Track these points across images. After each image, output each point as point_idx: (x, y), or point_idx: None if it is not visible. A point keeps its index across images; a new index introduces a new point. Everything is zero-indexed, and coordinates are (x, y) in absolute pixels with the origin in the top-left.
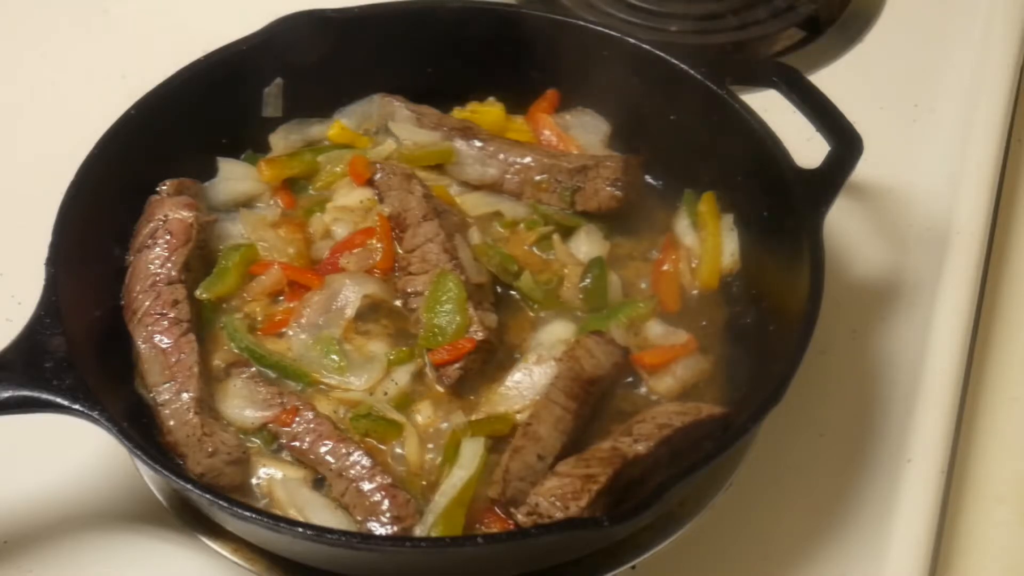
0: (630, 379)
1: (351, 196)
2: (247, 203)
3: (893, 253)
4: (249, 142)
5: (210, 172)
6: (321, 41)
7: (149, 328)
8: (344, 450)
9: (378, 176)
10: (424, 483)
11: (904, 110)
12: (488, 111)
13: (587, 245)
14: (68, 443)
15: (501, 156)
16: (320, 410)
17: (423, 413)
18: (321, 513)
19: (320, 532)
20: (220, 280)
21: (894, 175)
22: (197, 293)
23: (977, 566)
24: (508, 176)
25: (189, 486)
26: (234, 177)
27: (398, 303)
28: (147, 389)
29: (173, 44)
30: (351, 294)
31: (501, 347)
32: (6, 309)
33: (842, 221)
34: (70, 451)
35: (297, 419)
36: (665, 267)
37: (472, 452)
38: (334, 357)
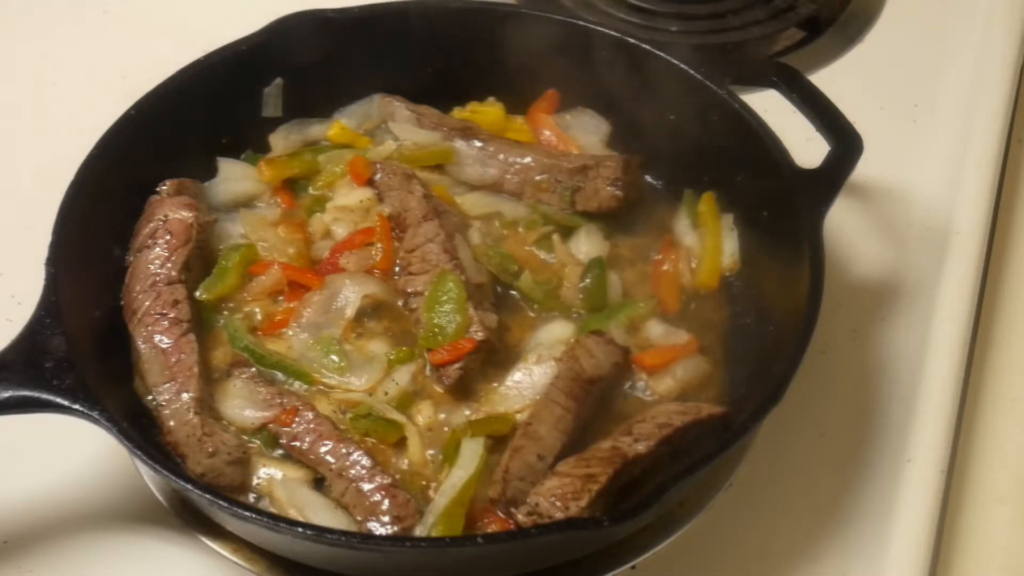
0: (630, 379)
1: (351, 196)
2: (247, 203)
3: (893, 253)
4: (249, 142)
5: (210, 172)
6: (321, 41)
7: (149, 328)
8: (344, 450)
9: (378, 176)
10: (424, 483)
11: (904, 110)
12: (488, 111)
13: (587, 245)
14: (68, 443)
15: (501, 156)
16: (320, 410)
17: (423, 413)
18: (321, 513)
19: (320, 532)
20: (220, 280)
21: (894, 175)
22: (197, 293)
23: (977, 566)
24: (508, 176)
25: (189, 486)
26: (234, 177)
27: (398, 303)
28: (147, 389)
29: (173, 44)
30: (351, 294)
31: (501, 347)
32: (6, 309)
33: (842, 221)
34: (70, 451)
35: (297, 419)
36: (665, 267)
37: (472, 452)
38: (334, 357)
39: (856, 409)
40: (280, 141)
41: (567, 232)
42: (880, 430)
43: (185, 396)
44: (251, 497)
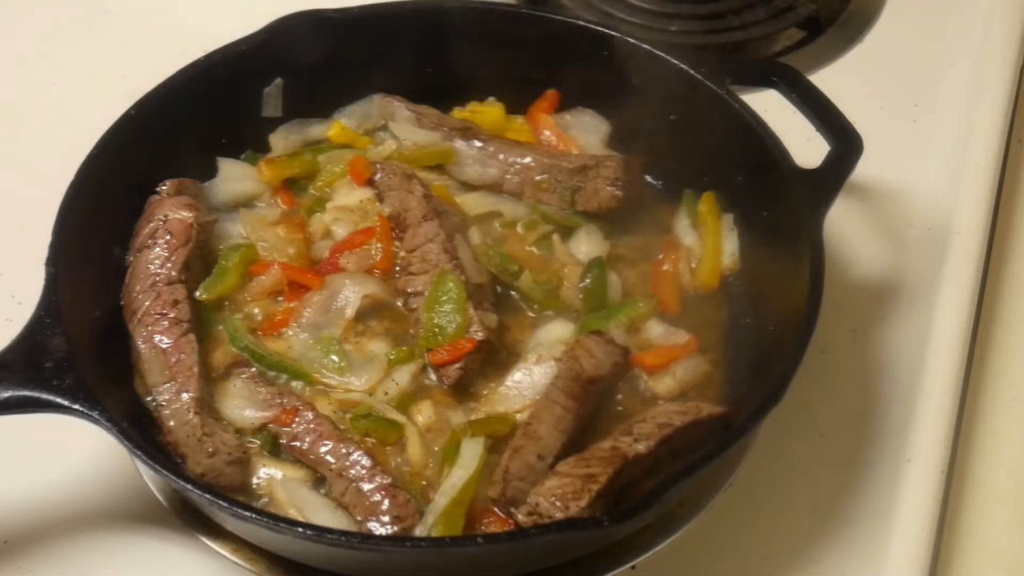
0: (630, 379)
1: (351, 196)
2: (247, 203)
3: (893, 253)
4: (249, 142)
5: (210, 172)
6: (321, 41)
7: (149, 328)
8: (344, 450)
9: (378, 176)
10: (424, 483)
11: (904, 110)
12: (488, 111)
13: (587, 245)
14: (68, 443)
15: (501, 156)
16: (320, 410)
17: (423, 413)
18: (321, 513)
19: (320, 532)
20: (220, 280)
21: (894, 175)
22: (197, 293)
23: (977, 566)
24: (508, 176)
25: (189, 486)
26: (234, 177)
27: (398, 303)
28: (147, 389)
29: (173, 44)
30: (351, 294)
31: (501, 347)
32: (6, 309)
33: (842, 221)
34: (70, 451)
35: (297, 419)
36: (665, 267)
37: (472, 452)
38: (334, 357)
39: (856, 409)
40: (280, 141)
41: (567, 232)
42: (880, 430)
43: (185, 396)
44: (252, 497)
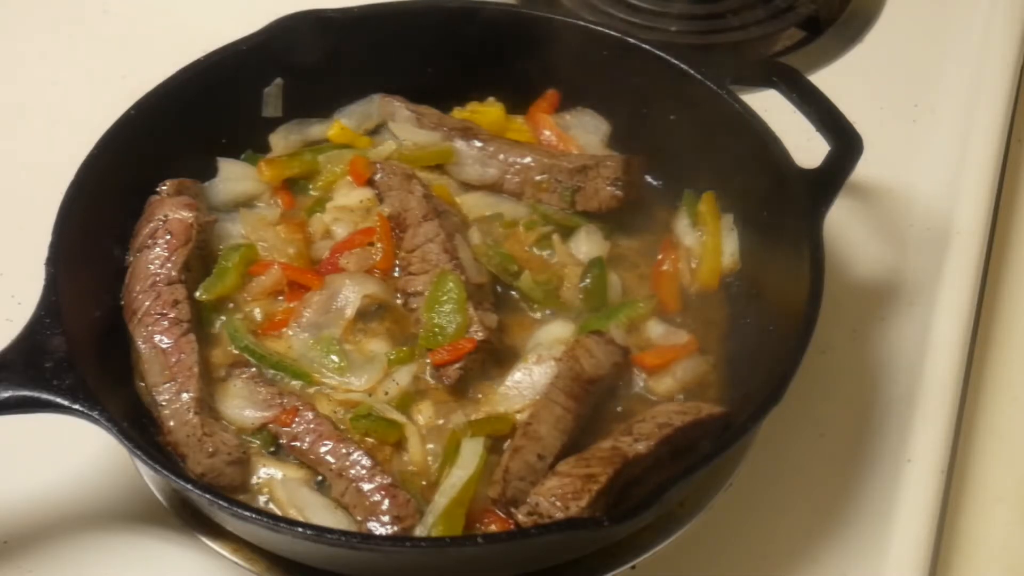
0: (630, 379)
1: (351, 196)
2: (247, 203)
3: (893, 253)
4: (249, 142)
5: (210, 172)
6: (321, 41)
7: (149, 328)
8: (344, 450)
9: (378, 176)
10: (424, 483)
11: (904, 110)
12: (488, 111)
13: (587, 245)
14: (68, 443)
15: (501, 156)
16: (320, 410)
17: (423, 413)
18: (321, 513)
19: (320, 532)
20: (220, 280)
21: (894, 175)
22: (197, 293)
23: (977, 566)
24: (508, 176)
25: (189, 486)
26: (234, 177)
27: (398, 303)
28: (147, 389)
29: (173, 44)
30: (351, 294)
31: (501, 347)
32: (6, 309)
33: (842, 221)
34: (70, 451)
35: (297, 419)
36: (665, 267)
37: (472, 452)
38: (334, 357)
39: (856, 409)
40: (280, 141)
41: (567, 232)
42: (880, 430)
43: (185, 396)
44: (251, 497)
